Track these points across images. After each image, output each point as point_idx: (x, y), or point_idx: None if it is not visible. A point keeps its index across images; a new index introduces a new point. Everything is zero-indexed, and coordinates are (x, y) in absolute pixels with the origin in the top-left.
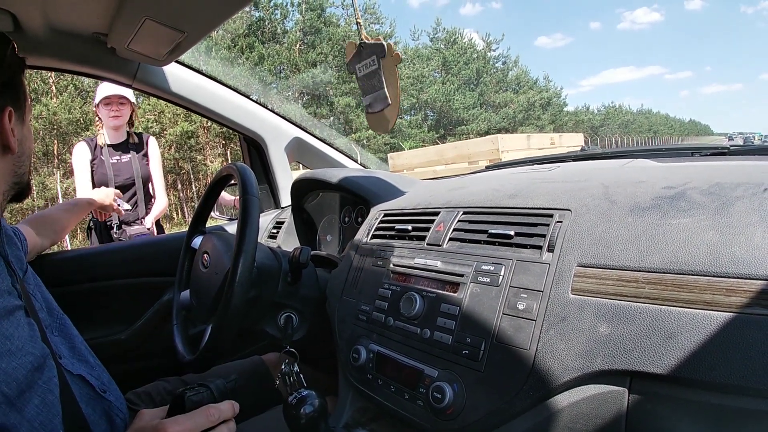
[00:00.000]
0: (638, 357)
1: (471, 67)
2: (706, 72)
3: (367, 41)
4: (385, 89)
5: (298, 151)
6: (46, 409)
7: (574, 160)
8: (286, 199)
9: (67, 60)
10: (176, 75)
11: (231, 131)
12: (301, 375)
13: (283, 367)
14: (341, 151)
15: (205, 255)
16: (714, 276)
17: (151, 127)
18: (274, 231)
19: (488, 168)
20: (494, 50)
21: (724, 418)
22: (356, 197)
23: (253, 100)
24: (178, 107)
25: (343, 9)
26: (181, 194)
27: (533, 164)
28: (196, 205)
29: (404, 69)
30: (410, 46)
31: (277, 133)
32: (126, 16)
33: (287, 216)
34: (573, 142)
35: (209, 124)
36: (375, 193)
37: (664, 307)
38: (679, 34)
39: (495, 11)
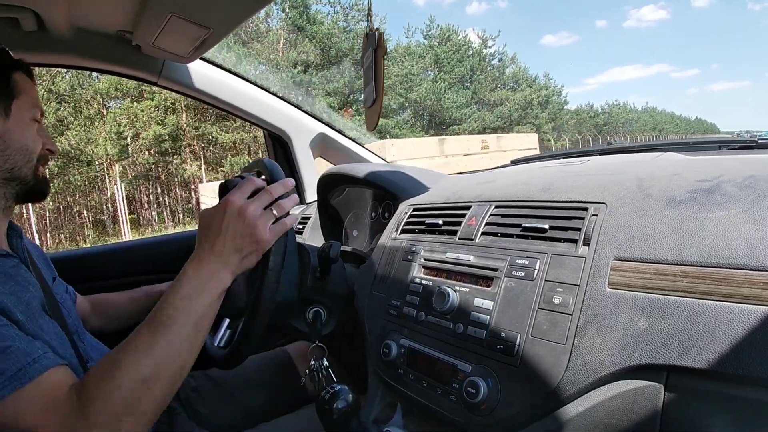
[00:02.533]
0: (676, 351)
1: (465, 65)
2: (713, 70)
3: (371, 32)
4: (373, 83)
5: (322, 147)
6: None
7: (601, 154)
8: (311, 194)
9: (91, 58)
10: (201, 72)
11: (204, 140)
12: (330, 370)
13: (312, 362)
14: (366, 147)
15: None
16: (751, 269)
17: (124, 131)
18: (300, 227)
19: (514, 162)
20: (490, 47)
21: (762, 414)
22: (384, 192)
23: (278, 96)
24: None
25: (330, 6)
26: (160, 199)
27: (560, 158)
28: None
29: (394, 67)
30: (403, 43)
31: (301, 128)
32: (151, 12)
33: (312, 212)
34: (518, 144)
35: (187, 127)
36: (403, 188)
37: (702, 300)
38: (686, 32)
39: (501, 10)
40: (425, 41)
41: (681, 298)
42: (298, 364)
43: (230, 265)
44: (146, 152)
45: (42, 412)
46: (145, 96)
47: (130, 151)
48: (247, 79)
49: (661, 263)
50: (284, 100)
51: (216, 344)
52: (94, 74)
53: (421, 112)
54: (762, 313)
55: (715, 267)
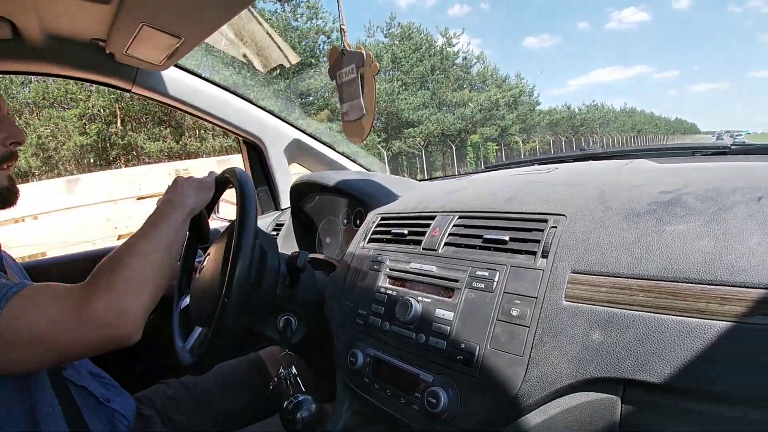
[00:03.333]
0: (631, 365)
1: (425, 64)
2: (694, 71)
3: (348, 49)
4: (362, 99)
5: (297, 153)
6: (51, 409)
7: (575, 160)
8: (285, 201)
9: (66, 66)
10: (175, 79)
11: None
12: (298, 378)
13: (281, 370)
14: (341, 153)
15: (207, 259)
16: (708, 284)
17: (45, 142)
18: (274, 233)
19: (488, 168)
20: (454, 45)
21: (717, 428)
22: (354, 200)
23: (252, 102)
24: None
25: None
26: None
27: (533, 164)
28: None
29: None
30: (364, 41)
31: (276, 135)
32: (123, 22)
33: (286, 218)
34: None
35: (111, 137)
36: (372, 196)
37: (658, 315)
38: (667, 33)
39: (483, 12)
40: (386, 40)
41: (637, 312)
42: (271, 369)
43: (189, 197)
44: (71, 164)
45: (46, 307)
46: (70, 105)
47: (54, 163)
48: (221, 86)
49: (618, 277)
50: (258, 107)
51: (188, 350)
52: (24, 82)
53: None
54: (718, 328)
55: (672, 281)
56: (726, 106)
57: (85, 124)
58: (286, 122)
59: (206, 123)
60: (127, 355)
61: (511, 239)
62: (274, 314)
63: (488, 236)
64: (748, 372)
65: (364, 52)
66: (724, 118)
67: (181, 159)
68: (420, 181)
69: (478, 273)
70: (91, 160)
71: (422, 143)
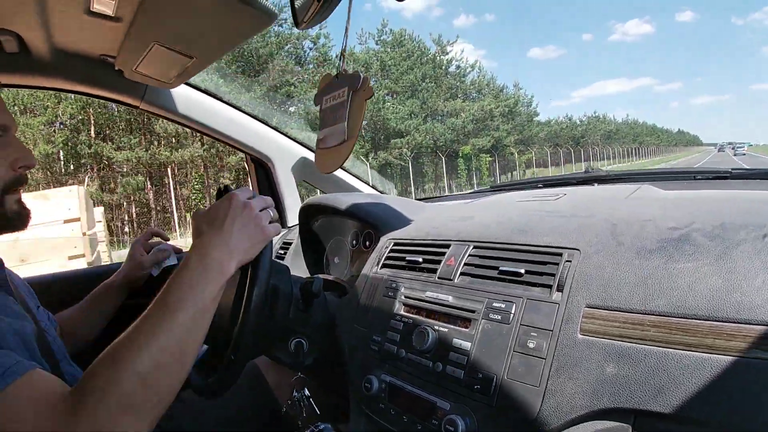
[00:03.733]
0: (642, 397)
1: (415, 72)
2: (697, 83)
3: (344, 73)
4: (346, 122)
5: (305, 171)
6: None
7: (580, 183)
8: (292, 218)
9: (73, 81)
10: (184, 96)
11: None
12: (312, 400)
13: (294, 393)
14: (348, 171)
15: None
16: (716, 321)
17: None
18: (282, 252)
19: (493, 188)
20: (447, 53)
21: None
22: (367, 225)
23: (261, 120)
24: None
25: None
26: None
27: (538, 185)
28: None
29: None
30: (356, 49)
31: (283, 152)
32: (135, 40)
33: (294, 236)
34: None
35: (78, 146)
36: (384, 221)
37: (668, 349)
38: (670, 46)
39: (488, 23)
40: (377, 47)
41: (649, 346)
42: (267, 375)
43: (237, 253)
44: (38, 174)
45: (32, 412)
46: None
47: None
48: (230, 104)
49: (631, 312)
50: (267, 125)
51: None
52: None
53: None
54: (724, 363)
55: (681, 317)
56: (728, 118)
57: (54, 131)
58: (294, 140)
59: (214, 139)
60: None
61: (527, 272)
62: (285, 337)
63: (504, 268)
64: (751, 404)
65: (361, 75)
66: (726, 129)
67: (151, 169)
68: (425, 200)
69: (495, 305)
70: (62, 169)
71: (409, 154)
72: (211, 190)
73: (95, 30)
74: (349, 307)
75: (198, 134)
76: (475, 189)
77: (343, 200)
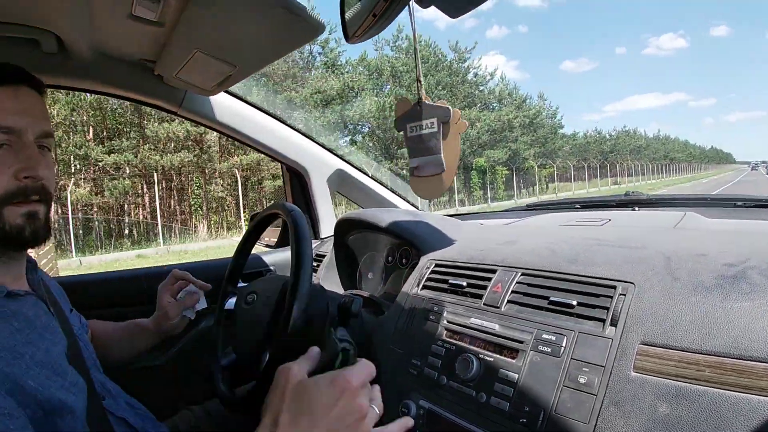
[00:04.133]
0: None
1: (428, 80)
2: (730, 99)
3: (426, 102)
4: (442, 155)
5: (340, 183)
6: None
7: (618, 206)
8: (325, 230)
9: (111, 84)
10: (222, 104)
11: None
12: None
13: None
14: (382, 184)
15: (249, 296)
16: None
17: None
18: (315, 264)
19: (529, 207)
20: (465, 61)
21: None
22: (405, 242)
23: (297, 130)
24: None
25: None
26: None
27: (575, 206)
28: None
29: (332, 80)
30: (372, 56)
31: (319, 164)
32: (177, 47)
33: (327, 249)
34: None
35: (69, 147)
36: (426, 241)
37: (722, 391)
38: (704, 61)
39: (521, 35)
40: (393, 53)
41: (703, 387)
42: None
43: None
44: None
45: None
46: None
47: None
48: (267, 112)
49: (687, 351)
50: (304, 135)
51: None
52: None
53: (370, 132)
54: None
55: (737, 359)
56: (762, 135)
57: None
58: (331, 151)
59: (251, 148)
60: (155, 380)
61: (579, 303)
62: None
63: (555, 299)
64: None
65: (450, 108)
66: (761, 147)
67: (140, 171)
68: (456, 216)
69: (545, 336)
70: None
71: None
72: (209, 196)
73: (136, 34)
74: (386, 327)
75: (190, 140)
76: (511, 207)
77: (382, 217)
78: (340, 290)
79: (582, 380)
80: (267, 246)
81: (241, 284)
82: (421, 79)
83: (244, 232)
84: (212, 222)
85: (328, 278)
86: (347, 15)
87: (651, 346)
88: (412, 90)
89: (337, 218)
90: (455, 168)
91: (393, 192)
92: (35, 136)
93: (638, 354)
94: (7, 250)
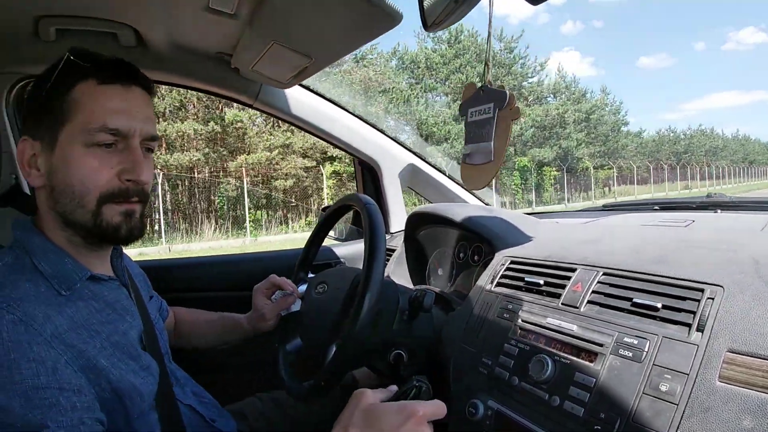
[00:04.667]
0: None
1: (467, 71)
2: None
3: (489, 86)
4: (492, 143)
5: (411, 178)
6: (150, 430)
7: (698, 208)
8: (396, 224)
9: (189, 77)
10: (297, 97)
11: None
12: None
13: None
14: (455, 180)
15: (320, 285)
16: None
17: None
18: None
19: (605, 207)
20: (513, 50)
21: None
22: (479, 238)
23: (371, 124)
24: None
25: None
26: None
27: (654, 207)
28: None
29: (359, 71)
30: (413, 49)
31: (392, 158)
32: (253, 39)
33: (397, 244)
34: None
35: None
36: (500, 237)
37: None
38: None
39: (596, 30)
40: (433, 45)
41: None
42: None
43: None
44: None
45: None
46: None
47: None
48: (341, 106)
49: None
50: (376, 129)
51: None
52: None
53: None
54: None
55: None
56: None
57: None
58: (403, 146)
59: (323, 141)
60: (228, 364)
61: (663, 306)
62: (385, 347)
63: (638, 300)
64: None
65: (507, 92)
66: None
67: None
68: (536, 215)
69: (626, 340)
70: None
71: (446, 164)
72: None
73: (213, 27)
74: (456, 323)
75: (197, 139)
76: (588, 207)
77: (456, 211)
78: (410, 285)
79: (663, 388)
80: (337, 239)
81: (310, 275)
82: (490, 62)
83: (249, 232)
84: (219, 221)
85: (397, 273)
86: (426, 2)
87: (739, 354)
88: (449, 83)
89: (407, 214)
90: (502, 158)
91: (468, 190)
92: (141, 139)
93: (725, 362)
94: (102, 243)
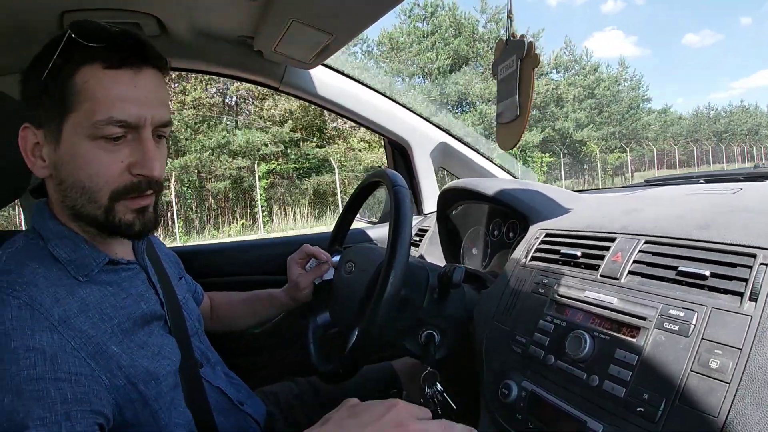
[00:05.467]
0: None
1: (438, 49)
2: None
3: (513, 39)
4: (517, 97)
5: (443, 157)
6: (177, 412)
7: (746, 179)
8: (429, 206)
9: (213, 63)
10: (322, 78)
11: None
12: (445, 396)
13: (426, 389)
14: (488, 158)
15: (348, 264)
16: None
17: None
18: (417, 239)
19: (648, 182)
20: (498, 22)
21: None
22: (512, 212)
23: (400, 103)
24: None
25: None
26: None
27: (699, 180)
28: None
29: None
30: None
31: (422, 137)
32: (272, 18)
33: (430, 224)
34: None
35: None
36: (536, 210)
37: None
38: None
39: (638, 7)
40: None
41: None
42: (404, 381)
43: None
44: None
45: None
46: None
47: None
48: (368, 86)
49: None
50: (406, 108)
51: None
52: None
53: None
54: None
55: None
56: None
57: None
58: (434, 125)
59: (352, 121)
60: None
61: (712, 275)
62: (416, 327)
63: (684, 269)
64: None
65: (526, 41)
66: None
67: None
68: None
69: (672, 312)
70: None
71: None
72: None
73: (233, 10)
74: (489, 301)
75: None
76: (627, 184)
77: (488, 185)
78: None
79: (713, 364)
80: (370, 222)
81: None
82: (512, 14)
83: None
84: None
85: (430, 253)
86: None
87: None
88: (418, 62)
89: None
90: (528, 112)
91: (500, 167)
92: (153, 126)
93: None
94: (115, 236)
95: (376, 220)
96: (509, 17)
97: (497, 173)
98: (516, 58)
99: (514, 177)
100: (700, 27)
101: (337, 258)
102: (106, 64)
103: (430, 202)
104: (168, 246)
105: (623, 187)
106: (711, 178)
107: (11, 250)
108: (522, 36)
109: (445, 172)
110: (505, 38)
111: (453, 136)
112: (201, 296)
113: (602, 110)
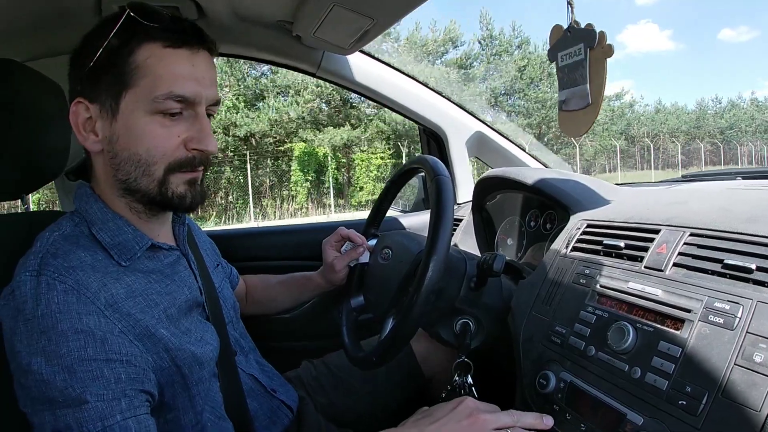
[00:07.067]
0: None
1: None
2: None
3: (575, 26)
4: (588, 86)
5: (478, 147)
6: (211, 398)
7: None
8: (463, 195)
9: (251, 47)
10: (359, 65)
11: None
12: (474, 389)
13: (456, 378)
14: (524, 149)
15: (385, 250)
16: None
17: None
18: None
19: (685, 177)
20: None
21: None
22: (552, 201)
23: (436, 91)
24: None
25: None
26: None
27: (737, 177)
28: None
29: None
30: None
31: (458, 126)
32: (313, 2)
33: (464, 213)
34: None
35: None
36: (576, 200)
37: None
38: None
39: (673, 1)
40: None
41: None
42: (423, 364)
43: None
44: None
45: None
46: None
47: None
48: (404, 73)
49: None
50: (442, 96)
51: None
52: None
53: None
54: None
55: None
56: None
57: None
58: (470, 113)
59: (388, 109)
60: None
61: (758, 268)
62: (451, 316)
63: (730, 262)
64: None
65: (596, 30)
66: None
67: None
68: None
69: (717, 305)
70: None
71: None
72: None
73: None
74: (527, 291)
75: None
76: (665, 179)
77: (528, 174)
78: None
79: (758, 358)
80: (402, 211)
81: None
82: (573, 2)
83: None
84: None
85: (464, 243)
86: None
87: None
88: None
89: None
90: (601, 100)
91: (536, 159)
92: (207, 104)
93: None
94: (164, 210)
95: (408, 209)
96: (570, 4)
97: (531, 164)
98: (584, 47)
99: (545, 166)
100: (737, 22)
101: (373, 242)
102: (167, 43)
103: (464, 191)
104: (203, 229)
105: (660, 182)
106: (749, 175)
107: (58, 233)
108: (588, 25)
109: (475, 163)
110: (565, 26)
111: (489, 126)
112: (237, 279)
113: (526, 95)
